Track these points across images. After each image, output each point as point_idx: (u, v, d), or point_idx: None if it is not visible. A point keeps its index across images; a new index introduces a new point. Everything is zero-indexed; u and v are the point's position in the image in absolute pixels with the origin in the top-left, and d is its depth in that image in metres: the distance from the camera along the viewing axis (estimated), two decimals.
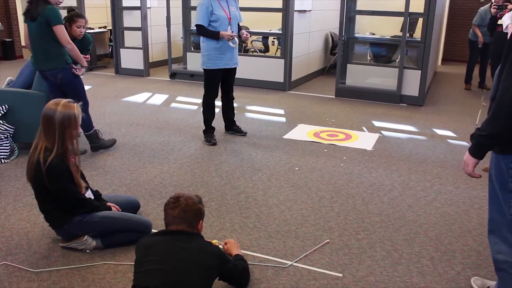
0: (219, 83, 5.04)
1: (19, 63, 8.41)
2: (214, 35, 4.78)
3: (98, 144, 4.74)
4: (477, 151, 2.07)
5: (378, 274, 2.72)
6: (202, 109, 5.12)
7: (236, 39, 4.92)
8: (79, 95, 4.34)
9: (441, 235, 3.20)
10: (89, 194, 3.01)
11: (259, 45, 9.55)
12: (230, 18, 4.85)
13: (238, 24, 5.08)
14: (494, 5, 7.13)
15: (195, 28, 4.92)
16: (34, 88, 4.70)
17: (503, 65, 2.00)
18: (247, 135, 5.37)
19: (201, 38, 4.93)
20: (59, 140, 2.71)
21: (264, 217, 3.40)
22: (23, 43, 10.91)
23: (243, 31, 5.07)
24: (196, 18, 4.83)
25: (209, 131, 5.12)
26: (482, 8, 8.10)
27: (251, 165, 4.46)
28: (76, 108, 2.79)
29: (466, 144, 5.17)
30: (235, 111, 5.40)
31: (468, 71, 8.50)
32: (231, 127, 5.41)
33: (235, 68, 5.09)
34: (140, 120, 5.98)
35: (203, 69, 4.97)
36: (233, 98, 5.28)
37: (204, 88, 5.03)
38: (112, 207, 3.04)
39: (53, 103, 2.76)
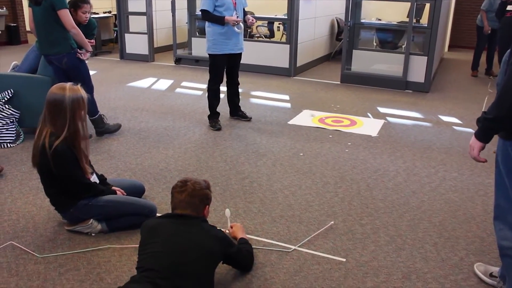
0: (224, 69, 5.03)
1: (24, 48, 8.40)
2: (219, 20, 4.75)
3: (103, 129, 4.75)
4: (482, 135, 2.07)
5: (381, 259, 2.73)
6: (207, 94, 5.12)
7: (241, 24, 4.89)
8: (84, 79, 4.33)
9: (445, 221, 3.20)
10: (94, 179, 3.02)
11: (265, 30, 9.49)
12: (235, 3, 4.82)
13: (244, 9, 5.04)
14: None
15: (200, 13, 4.89)
16: (39, 73, 4.71)
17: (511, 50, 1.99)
18: (252, 120, 5.37)
19: (206, 23, 4.90)
20: (71, 123, 2.72)
21: (269, 202, 3.41)
22: (27, 28, 10.90)
23: (249, 16, 5.04)
24: (201, 3, 4.80)
25: (214, 116, 5.12)
26: None
27: (256, 150, 4.46)
28: (82, 89, 2.81)
29: (472, 130, 5.15)
30: (240, 97, 5.39)
31: (475, 58, 8.43)
32: (236, 112, 5.40)
33: (241, 53, 5.07)
34: (145, 105, 5.98)
35: (208, 54, 4.95)
36: (238, 84, 5.27)
37: (209, 73, 5.02)
38: (117, 191, 3.06)
39: (58, 88, 2.77)
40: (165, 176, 3.82)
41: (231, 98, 5.34)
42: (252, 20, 5.02)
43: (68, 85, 2.79)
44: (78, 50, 4.40)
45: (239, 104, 5.41)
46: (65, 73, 4.43)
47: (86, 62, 4.54)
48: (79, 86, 2.82)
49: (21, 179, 3.72)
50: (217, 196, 3.46)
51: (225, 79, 5.15)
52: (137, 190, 3.31)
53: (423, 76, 6.99)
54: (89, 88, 4.42)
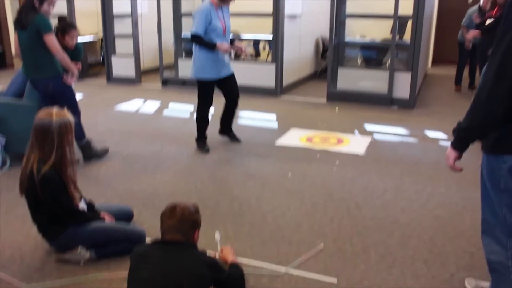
0: (213, 93, 4.95)
1: (10, 73, 8.36)
2: (210, 46, 4.68)
3: (91, 154, 4.72)
4: (458, 144, 2.11)
5: (372, 278, 2.73)
6: (195, 117, 5.06)
7: (232, 52, 4.87)
8: (70, 104, 4.32)
9: (434, 237, 3.22)
10: (82, 205, 3.00)
11: (250, 50, 9.56)
12: (225, 28, 4.79)
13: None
14: (476, 14, 7.17)
15: (189, 35, 4.77)
16: (26, 97, 4.69)
17: None
18: (240, 141, 5.36)
19: (194, 46, 4.81)
20: (58, 148, 2.71)
21: (258, 224, 3.41)
22: (13, 52, 10.88)
23: (240, 46, 5.01)
24: (193, 26, 4.69)
25: (202, 139, 5.08)
26: (470, 9, 8.15)
27: (244, 172, 4.46)
28: (68, 113, 2.81)
29: None
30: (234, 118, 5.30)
31: (458, 73, 8.57)
32: (228, 132, 5.31)
33: (233, 74, 5.01)
34: (133, 128, 5.97)
35: (196, 78, 4.89)
36: (238, 104, 5.16)
37: (198, 98, 4.94)
38: (105, 217, 3.03)
39: (45, 114, 2.77)
40: (153, 201, 3.80)
41: (226, 117, 5.21)
42: (244, 50, 5.00)
43: (55, 110, 2.79)
44: (65, 74, 4.40)
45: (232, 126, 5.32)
46: (51, 97, 4.42)
47: (73, 86, 4.53)
48: (65, 110, 2.83)
49: (7, 207, 3.68)
50: (206, 219, 3.43)
51: (216, 99, 5.10)
52: (125, 216, 3.28)
53: (408, 92, 7.07)
54: (75, 112, 4.40)
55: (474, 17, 7.17)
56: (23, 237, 3.20)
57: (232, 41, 5.07)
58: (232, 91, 5.08)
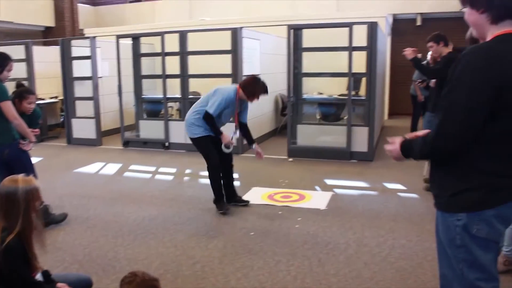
0: (212, 146, 4.91)
1: None
2: (215, 131, 4.81)
3: (49, 220, 4.60)
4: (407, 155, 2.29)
5: None
6: (209, 176, 4.99)
7: (232, 146, 4.95)
8: (26, 170, 4.22)
9: None
10: (38, 276, 2.89)
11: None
12: (236, 118, 4.96)
13: (241, 122, 5.09)
14: (418, 81, 7.55)
15: (204, 111, 4.80)
16: None
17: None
18: (201, 201, 5.33)
19: (198, 115, 4.85)
20: (25, 216, 2.64)
21: (221, 286, 3.35)
22: None
23: (258, 150, 5.06)
24: (212, 105, 4.76)
25: (220, 200, 4.97)
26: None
27: (206, 232, 4.42)
28: (34, 180, 2.76)
29: (416, 196, 5.35)
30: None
31: (413, 124, 8.95)
32: (234, 198, 5.18)
33: None
34: (93, 191, 5.87)
35: (192, 139, 4.93)
36: (233, 165, 5.16)
37: (203, 156, 4.95)
38: None
39: (10, 181, 2.70)
40: (114, 267, 3.70)
41: (226, 183, 5.11)
42: (262, 155, 5.06)
43: (19, 177, 2.73)
44: (21, 140, 4.35)
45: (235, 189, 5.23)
46: (7, 164, 4.33)
47: (31, 149, 4.47)
48: (31, 177, 2.78)
49: None
50: (168, 284, 3.37)
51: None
52: (84, 284, 3.16)
53: (366, 146, 7.27)
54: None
55: (417, 84, 7.51)
56: None
57: (252, 141, 5.13)
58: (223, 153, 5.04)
